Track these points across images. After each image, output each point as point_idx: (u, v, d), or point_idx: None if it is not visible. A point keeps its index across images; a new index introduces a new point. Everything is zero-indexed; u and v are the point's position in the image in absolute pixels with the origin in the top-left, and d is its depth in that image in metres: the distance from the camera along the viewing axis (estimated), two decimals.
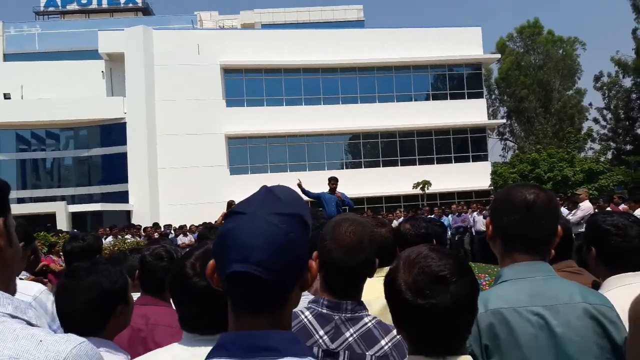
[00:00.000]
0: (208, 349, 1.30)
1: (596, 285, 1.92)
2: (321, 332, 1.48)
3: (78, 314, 1.64)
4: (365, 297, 2.13)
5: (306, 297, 2.12)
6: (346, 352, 1.47)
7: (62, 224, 24.39)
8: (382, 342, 1.49)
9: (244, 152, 30.73)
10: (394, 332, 1.51)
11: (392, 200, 29.52)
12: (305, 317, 1.50)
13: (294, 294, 0.92)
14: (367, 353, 1.48)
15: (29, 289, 2.30)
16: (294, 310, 1.50)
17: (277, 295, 0.89)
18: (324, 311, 1.51)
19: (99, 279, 1.69)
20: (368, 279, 2.25)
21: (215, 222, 10.21)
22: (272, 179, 29.13)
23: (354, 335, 1.49)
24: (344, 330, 1.49)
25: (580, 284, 1.54)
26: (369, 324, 1.52)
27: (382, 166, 31.72)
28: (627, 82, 40.88)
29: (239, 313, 0.90)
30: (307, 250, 0.93)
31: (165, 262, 2.23)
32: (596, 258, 1.91)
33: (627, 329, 1.15)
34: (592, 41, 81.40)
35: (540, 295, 1.41)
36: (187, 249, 1.61)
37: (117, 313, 1.70)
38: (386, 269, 2.16)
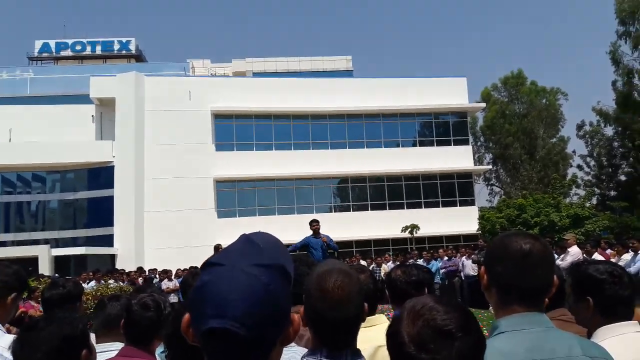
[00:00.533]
0: None
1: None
2: None
3: None
4: None
5: (301, 351, 2.06)
6: None
7: (45, 268, 23.82)
8: None
9: (233, 196, 30.66)
10: None
11: (381, 244, 29.41)
12: None
13: (275, 350, 0.87)
14: None
15: (2, 340, 2.22)
16: None
17: (257, 353, 0.83)
18: None
19: (60, 327, 1.64)
20: None
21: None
22: (260, 222, 29.18)
23: None
24: None
25: (578, 335, 1.51)
26: None
27: (371, 210, 31.78)
28: (609, 131, 41.97)
29: None
30: (289, 303, 0.88)
31: (152, 312, 2.17)
32: (594, 308, 1.88)
33: None
34: (573, 91, 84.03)
35: (538, 348, 1.38)
36: (173, 300, 1.57)
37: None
38: (367, 319, 2.12)
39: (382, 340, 2.10)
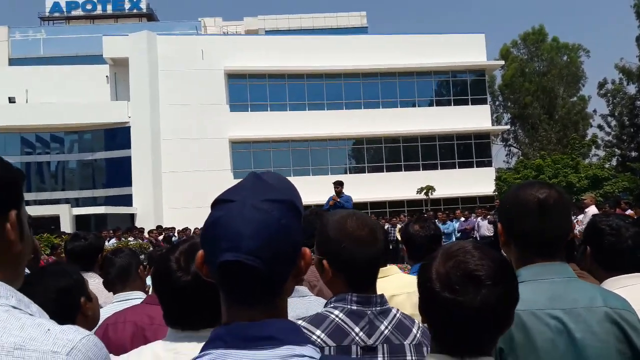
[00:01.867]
0: (191, 344, 1.28)
1: None
2: (357, 329, 1.43)
3: None
4: None
5: (316, 300, 2.07)
6: (384, 345, 1.44)
7: (66, 226, 24.43)
8: (414, 331, 1.49)
9: (248, 157, 30.76)
10: (417, 321, 1.49)
11: (396, 205, 29.47)
12: (337, 316, 1.44)
13: (288, 283, 0.89)
14: (404, 342, 1.46)
15: None
16: (323, 311, 1.47)
17: (271, 285, 0.85)
18: (354, 307, 1.46)
19: (53, 279, 1.62)
20: None
21: None
22: None
23: (389, 328, 1.46)
24: (378, 324, 1.45)
25: (600, 287, 1.50)
26: (398, 315, 1.50)
27: (386, 171, 31.70)
28: (632, 89, 40.78)
29: (233, 304, 0.86)
30: (301, 236, 0.89)
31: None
32: (591, 258, 1.91)
33: None
34: (596, 48, 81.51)
35: (560, 298, 1.36)
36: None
37: (82, 309, 1.62)
38: (380, 270, 2.14)
39: (396, 289, 2.14)
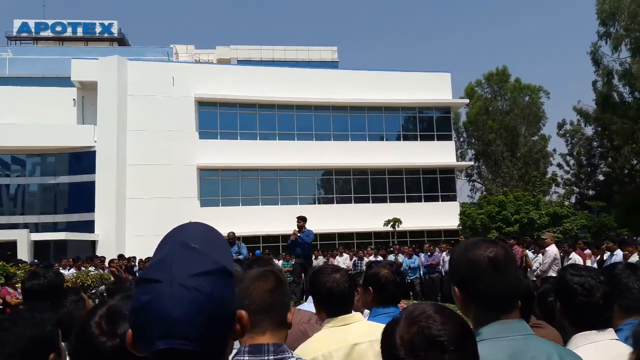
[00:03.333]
0: None
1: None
2: None
3: None
4: (325, 348, 2.10)
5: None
6: None
7: (24, 253, 23.47)
8: None
9: (216, 184, 30.49)
10: None
11: (363, 237, 29.61)
12: None
13: (227, 350, 0.88)
14: None
15: None
16: None
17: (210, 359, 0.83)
18: (246, 358, 1.48)
19: (27, 327, 1.53)
20: (323, 330, 2.22)
21: None
22: (243, 212, 29.08)
23: None
24: None
25: (556, 344, 1.56)
26: None
27: (354, 202, 31.92)
28: (589, 131, 42.72)
29: None
30: (234, 302, 0.86)
31: None
32: (561, 312, 1.95)
33: None
34: (555, 90, 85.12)
35: (519, 356, 1.41)
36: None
37: None
38: (340, 318, 2.15)
39: (358, 337, 2.15)
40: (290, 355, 1.53)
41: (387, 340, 1.09)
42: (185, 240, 0.87)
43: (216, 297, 0.81)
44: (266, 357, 1.48)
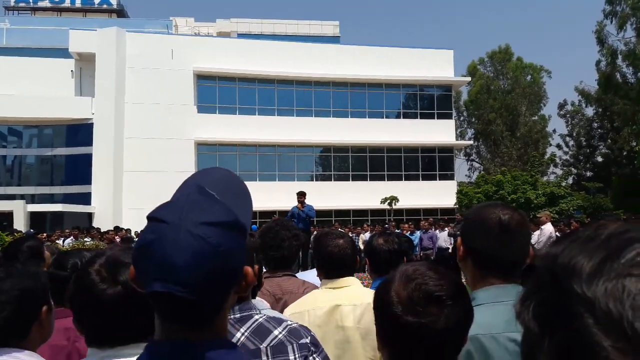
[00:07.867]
0: None
1: None
2: None
3: None
4: (312, 305, 2.18)
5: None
6: None
7: (20, 223, 23.52)
8: (276, 332, 1.50)
9: (213, 159, 30.41)
10: (289, 321, 1.54)
11: (360, 214, 29.69)
12: None
13: (227, 303, 0.85)
14: (260, 346, 1.48)
15: None
16: None
17: (206, 313, 0.81)
18: None
19: (20, 279, 1.53)
20: (318, 289, 2.31)
21: None
22: None
23: (245, 334, 1.49)
24: (234, 332, 1.48)
25: None
26: (260, 319, 1.52)
27: (352, 180, 31.93)
28: (590, 112, 42.57)
29: (167, 324, 0.82)
30: (242, 259, 0.83)
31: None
32: None
33: None
34: (557, 70, 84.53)
35: (515, 321, 1.37)
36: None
37: (41, 318, 1.53)
38: (336, 280, 2.18)
39: (343, 300, 2.18)
40: (256, 312, 1.54)
41: (383, 299, 1.09)
42: (203, 185, 0.85)
43: (222, 250, 0.78)
44: (232, 316, 1.49)
